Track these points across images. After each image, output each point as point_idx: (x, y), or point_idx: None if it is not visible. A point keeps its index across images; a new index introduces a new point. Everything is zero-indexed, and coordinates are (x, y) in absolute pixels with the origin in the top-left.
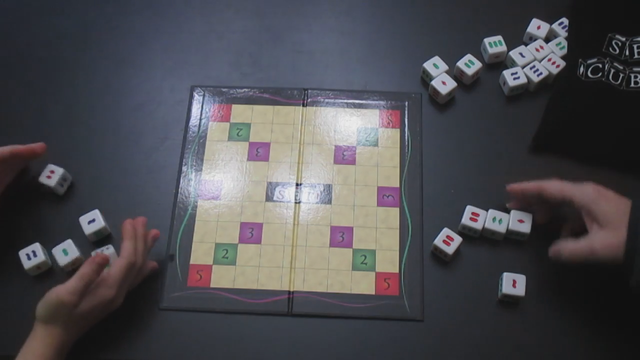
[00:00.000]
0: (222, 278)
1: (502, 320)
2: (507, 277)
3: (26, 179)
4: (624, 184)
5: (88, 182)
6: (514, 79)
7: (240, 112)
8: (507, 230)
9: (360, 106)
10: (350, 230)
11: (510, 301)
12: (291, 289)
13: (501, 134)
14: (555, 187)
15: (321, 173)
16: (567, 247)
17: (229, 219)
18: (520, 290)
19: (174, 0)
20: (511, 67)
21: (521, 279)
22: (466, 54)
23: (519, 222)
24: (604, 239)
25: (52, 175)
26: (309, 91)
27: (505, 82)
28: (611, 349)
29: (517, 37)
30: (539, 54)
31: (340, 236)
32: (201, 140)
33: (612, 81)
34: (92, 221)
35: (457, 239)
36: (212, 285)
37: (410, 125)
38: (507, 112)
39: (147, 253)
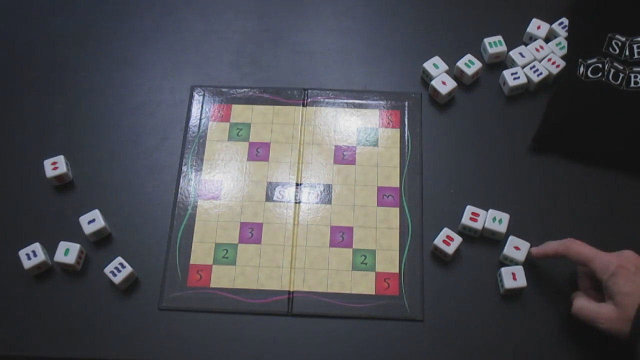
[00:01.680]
0: (222, 278)
1: (503, 320)
2: (506, 272)
3: (25, 179)
4: (625, 184)
5: (88, 182)
6: (514, 79)
7: (240, 112)
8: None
9: (360, 106)
10: (350, 230)
11: (514, 294)
12: (291, 289)
13: (501, 134)
14: (577, 251)
15: (321, 173)
16: (578, 302)
17: (229, 219)
18: (521, 281)
19: (174, 0)
20: (511, 67)
21: (519, 270)
22: (466, 54)
23: (514, 249)
24: (611, 314)
25: (57, 165)
26: (309, 91)
27: (505, 82)
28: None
29: (517, 37)
30: (539, 54)
31: (340, 236)
32: (201, 140)
33: (612, 81)
34: (92, 221)
35: (457, 239)
36: (212, 285)
37: (410, 125)
38: (507, 112)
39: None
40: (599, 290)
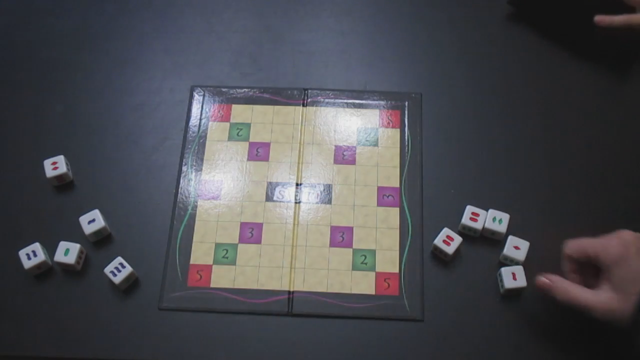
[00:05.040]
0: (222, 278)
1: (502, 320)
2: (506, 272)
3: (25, 179)
4: (625, 184)
5: (88, 182)
6: None
7: (240, 112)
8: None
9: (360, 106)
10: (350, 230)
11: (514, 294)
12: (291, 289)
13: (501, 134)
14: (576, 247)
15: (321, 173)
16: (569, 290)
17: (229, 219)
18: (521, 281)
19: (174, 0)
20: None
21: (519, 270)
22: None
23: (514, 249)
24: (609, 301)
25: (57, 165)
26: (309, 91)
27: None
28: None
29: None
30: None
31: (340, 236)
32: (201, 140)
33: None
34: (92, 221)
35: (457, 239)
36: (212, 285)
37: (410, 125)
38: (507, 112)
39: None
40: (583, 273)
